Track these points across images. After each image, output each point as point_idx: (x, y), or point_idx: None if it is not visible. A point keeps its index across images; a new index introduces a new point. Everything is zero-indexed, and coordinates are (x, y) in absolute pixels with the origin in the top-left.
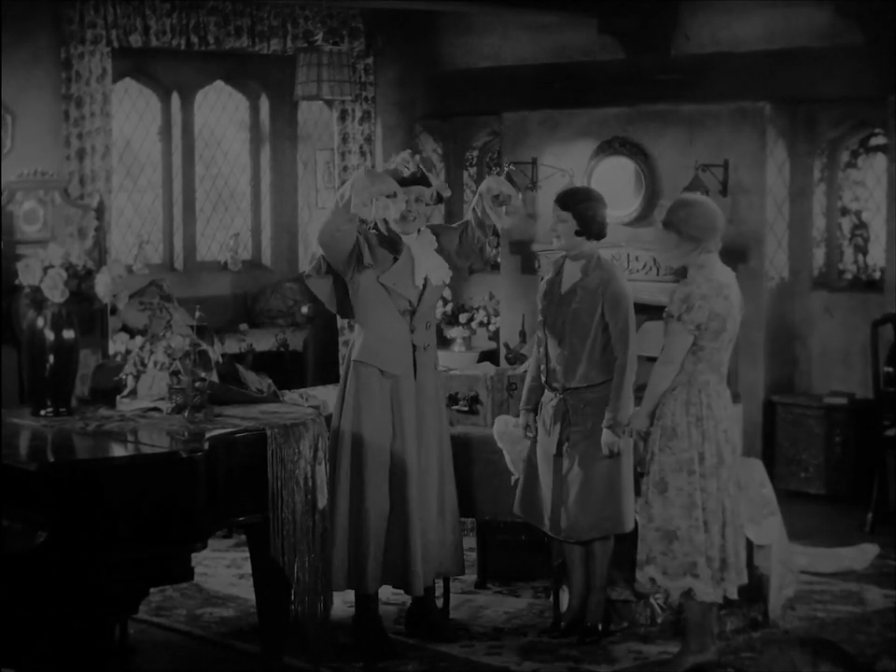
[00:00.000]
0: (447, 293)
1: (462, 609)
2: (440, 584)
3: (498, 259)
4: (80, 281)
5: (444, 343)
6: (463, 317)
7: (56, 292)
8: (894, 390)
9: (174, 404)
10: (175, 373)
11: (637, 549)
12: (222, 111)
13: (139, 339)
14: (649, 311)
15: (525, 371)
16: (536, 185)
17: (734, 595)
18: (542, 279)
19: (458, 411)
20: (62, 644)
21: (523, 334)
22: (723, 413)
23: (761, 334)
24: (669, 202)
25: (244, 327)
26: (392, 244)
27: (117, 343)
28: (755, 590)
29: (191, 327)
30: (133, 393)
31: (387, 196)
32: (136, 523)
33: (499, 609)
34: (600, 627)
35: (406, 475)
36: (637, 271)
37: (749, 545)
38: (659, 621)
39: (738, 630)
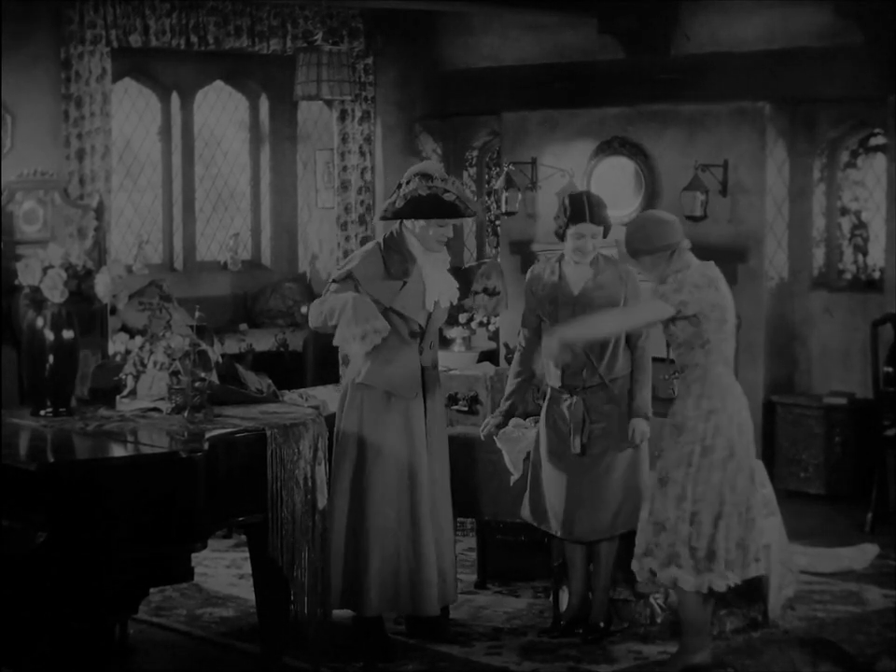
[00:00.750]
0: None
1: (462, 609)
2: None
3: (498, 259)
4: (80, 281)
5: (444, 342)
6: (463, 317)
7: (56, 292)
8: (894, 390)
9: (173, 404)
10: (174, 373)
11: (636, 541)
12: (222, 111)
13: (139, 339)
14: None
15: None
16: (535, 185)
17: (720, 588)
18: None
19: (458, 411)
20: (62, 644)
21: None
22: (737, 405)
23: (761, 334)
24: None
25: (243, 327)
26: (403, 265)
27: (116, 343)
28: (755, 590)
29: (191, 327)
30: (133, 393)
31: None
32: (136, 523)
33: (499, 609)
34: (601, 625)
35: (419, 494)
36: (638, 272)
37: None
38: (659, 620)
39: (738, 630)
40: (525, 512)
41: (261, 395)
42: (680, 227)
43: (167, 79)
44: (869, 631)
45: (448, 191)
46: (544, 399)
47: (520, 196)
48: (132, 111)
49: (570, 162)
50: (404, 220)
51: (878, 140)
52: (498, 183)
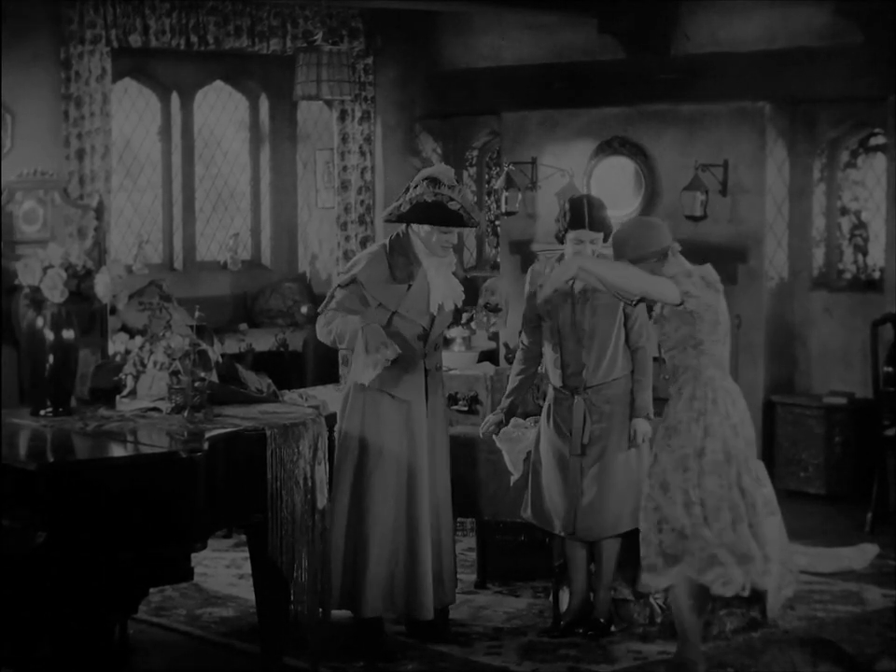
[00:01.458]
0: None
1: (462, 608)
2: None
3: (498, 259)
4: (80, 281)
5: (444, 342)
6: (463, 317)
7: (56, 292)
8: (894, 390)
9: (173, 404)
10: (174, 373)
11: (647, 552)
12: (222, 111)
13: (139, 339)
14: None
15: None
16: (535, 185)
17: (766, 586)
18: (536, 283)
19: (458, 411)
20: (62, 644)
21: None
22: (732, 408)
23: (761, 334)
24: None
25: (243, 327)
26: (408, 268)
27: (116, 343)
28: (755, 590)
29: (191, 327)
30: (133, 393)
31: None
32: (136, 523)
33: (499, 609)
34: (602, 621)
35: (418, 497)
36: None
37: None
38: (658, 620)
39: (738, 630)
40: (526, 512)
41: (261, 395)
42: (668, 230)
43: (167, 79)
44: (869, 631)
45: (453, 200)
46: (544, 398)
47: (520, 196)
48: (132, 111)
49: (570, 162)
50: (410, 224)
51: (878, 140)
52: (498, 183)
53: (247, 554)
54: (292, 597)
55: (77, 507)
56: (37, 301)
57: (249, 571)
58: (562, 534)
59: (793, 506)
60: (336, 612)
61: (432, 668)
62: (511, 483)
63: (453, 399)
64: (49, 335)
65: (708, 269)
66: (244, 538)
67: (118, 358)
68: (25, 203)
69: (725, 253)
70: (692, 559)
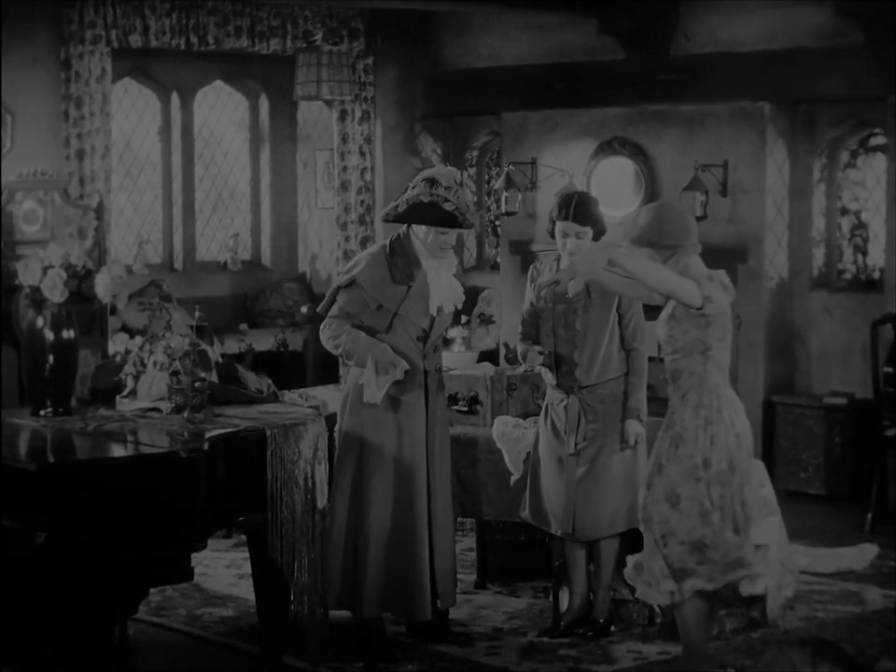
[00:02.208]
0: None
1: (462, 609)
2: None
3: (498, 259)
4: (80, 281)
5: (444, 342)
6: (462, 317)
7: (56, 292)
8: (894, 390)
9: (173, 404)
10: (174, 373)
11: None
12: (222, 111)
13: (139, 339)
14: (647, 310)
15: (524, 371)
16: (535, 185)
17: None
18: (535, 282)
19: (458, 411)
20: (62, 644)
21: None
22: (735, 416)
23: (761, 334)
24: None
25: (243, 327)
26: (408, 269)
27: (116, 343)
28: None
29: (191, 327)
30: (133, 393)
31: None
32: (136, 523)
33: (499, 609)
34: (602, 621)
35: (417, 499)
36: None
37: None
38: (658, 621)
39: (738, 630)
40: (525, 512)
41: (261, 395)
42: (694, 233)
43: (167, 79)
44: (869, 631)
45: (448, 200)
46: (544, 398)
47: (520, 196)
48: (132, 111)
49: (570, 162)
50: (411, 224)
51: (878, 140)
52: (498, 183)
53: (247, 554)
54: (292, 597)
55: (77, 507)
56: (37, 301)
57: (249, 571)
58: (559, 534)
59: (793, 506)
60: (336, 612)
61: (432, 668)
62: (511, 483)
63: (453, 400)
64: (49, 335)
65: (724, 274)
66: (244, 538)
67: (118, 358)
68: (25, 204)
69: (725, 253)
70: (709, 568)
